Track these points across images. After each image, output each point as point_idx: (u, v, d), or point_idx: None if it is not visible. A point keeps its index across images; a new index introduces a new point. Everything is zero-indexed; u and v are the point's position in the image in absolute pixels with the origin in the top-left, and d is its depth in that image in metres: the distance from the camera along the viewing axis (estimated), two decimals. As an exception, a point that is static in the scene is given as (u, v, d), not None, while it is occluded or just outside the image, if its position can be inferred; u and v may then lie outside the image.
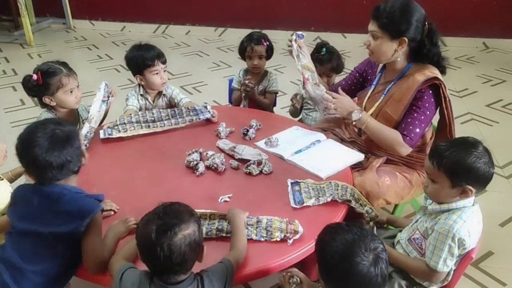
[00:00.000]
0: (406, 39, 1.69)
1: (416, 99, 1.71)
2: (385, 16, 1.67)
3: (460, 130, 1.84)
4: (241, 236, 1.27)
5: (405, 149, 1.73)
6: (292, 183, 1.55)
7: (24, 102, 3.42)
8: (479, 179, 1.26)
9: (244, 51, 2.42)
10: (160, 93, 2.16)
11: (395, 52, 1.73)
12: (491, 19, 4.79)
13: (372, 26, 1.72)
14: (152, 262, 1.05)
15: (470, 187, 1.26)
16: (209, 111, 2.01)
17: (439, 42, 1.75)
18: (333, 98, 1.76)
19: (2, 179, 1.59)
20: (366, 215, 1.50)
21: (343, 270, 1.02)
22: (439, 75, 1.73)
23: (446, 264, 1.28)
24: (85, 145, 1.74)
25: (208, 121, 2.04)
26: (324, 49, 2.40)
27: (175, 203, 1.11)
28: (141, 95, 2.14)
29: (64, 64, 1.91)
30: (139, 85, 2.13)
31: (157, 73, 2.07)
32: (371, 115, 1.79)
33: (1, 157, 1.57)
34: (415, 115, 1.71)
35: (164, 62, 2.10)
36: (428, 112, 1.71)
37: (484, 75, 4.19)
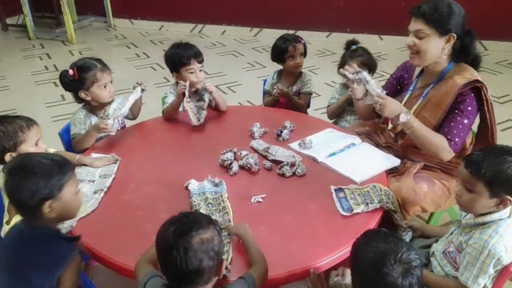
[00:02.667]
0: (455, 35, 1.64)
1: (458, 102, 1.66)
2: (433, 12, 1.62)
3: (500, 137, 1.77)
4: (256, 249, 1.24)
5: (449, 154, 1.67)
6: (335, 190, 1.52)
7: (64, 98, 3.55)
8: None
9: (284, 52, 2.40)
10: (196, 92, 2.19)
11: (442, 50, 1.67)
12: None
13: (416, 25, 1.66)
14: (169, 268, 1.02)
15: (510, 197, 1.20)
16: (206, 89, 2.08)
17: (476, 44, 1.71)
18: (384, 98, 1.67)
19: None
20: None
21: (372, 278, 1.00)
22: (479, 78, 1.67)
23: (477, 282, 1.22)
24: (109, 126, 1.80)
25: (246, 116, 2.05)
26: (354, 46, 2.37)
27: (197, 212, 1.12)
28: (180, 93, 2.16)
29: (99, 60, 1.97)
30: (177, 83, 2.16)
31: (192, 72, 2.10)
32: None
33: None
34: (459, 119, 1.65)
35: (200, 62, 2.12)
36: (471, 116, 1.66)
37: (527, 81, 4.01)
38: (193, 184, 1.55)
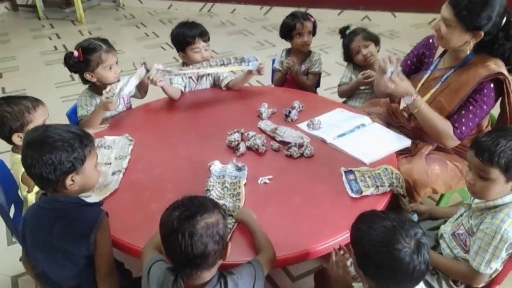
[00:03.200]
0: (482, 34, 1.54)
1: (475, 91, 1.59)
2: (464, 6, 1.50)
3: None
4: (263, 236, 1.23)
5: (453, 142, 1.62)
6: (345, 172, 1.49)
7: (74, 78, 3.54)
8: None
9: (292, 29, 2.36)
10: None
11: (466, 43, 1.59)
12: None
13: (446, 13, 1.56)
14: (174, 252, 1.00)
15: None
16: (256, 60, 2.02)
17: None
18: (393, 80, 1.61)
19: None
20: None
21: (385, 259, 0.98)
22: (504, 70, 1.58)
23: (489, 266, 1.20)
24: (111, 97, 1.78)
25: (254, 96, 2.01)
26: (348, 31, 2.36)
27: (201, 196, 1.09)
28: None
29: (104, 41, 1.94)
30: (184, 63, 2.13)
31: (198, 51, 2.07)
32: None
33: None
34: (471, 108, 1.60)
35: (206, 41, 2.09)
36: (485, 107, 1.59)
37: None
38: (216, 166, 1.54)
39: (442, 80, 1.70)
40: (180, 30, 2.08)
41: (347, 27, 2.37)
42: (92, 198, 1.40)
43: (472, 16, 1.51)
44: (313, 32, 2.41)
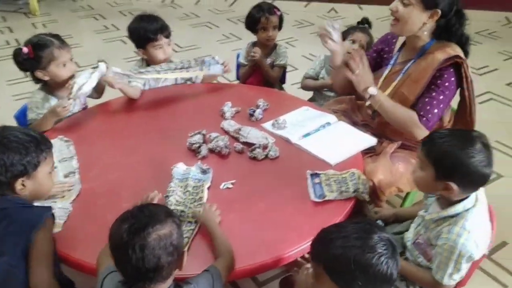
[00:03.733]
0: (439, 12, 1.54)
1: (435, 77, 1.59)
2: None
3: (478, 110, 1.72)
4: (223, 240, 1.17)
5: (421, 132, 1.60)
6: (311, 175, 1.43)
7: (27, 74, 3.34)
8: (467, 178, 1.14)
9: (256, 22, 2.30)
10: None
11: (423, 25, 1.58)
12: (516, -8, 4.52)
13: None
14: (125, 267, 0.95)
15: (454, 185, 1.13)
16: (217, 62, 1.95)
17: (465, 24, 1.61)
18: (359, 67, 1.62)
19: None
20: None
21: (359, 264, 0.93)
22: (461, 54, 1.59)
23: (452, 278, 1.19)
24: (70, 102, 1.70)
25: (217, 94, 1.95)
26: (367, 25, 2.31)
27: (152, 204, 1.03)
28: (145, 70, 2.03)
29: (57, 36, 1.82)
30: (142, 59, 2.02)
31: (160, 48, 1.97)
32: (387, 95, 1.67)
33: None
34: (433, 94, 1.59)
35: (167, 36, 1.99)
36: (447, 92, 1.59)
37: (506, 51, 3.97)
38: (180, 168, 1.46)
39: (403, 72, 1.69)
40: (139, 25, 1.97)
41: (369, 22, 2.31)
42: (58, 205, 1.32)
43: None
44: (279, 26, 2.35)
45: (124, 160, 1.57)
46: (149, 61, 2.02)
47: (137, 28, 1.97)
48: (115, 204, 1.32)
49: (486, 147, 1.15)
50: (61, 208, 1.31)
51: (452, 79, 1.59)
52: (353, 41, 2.22)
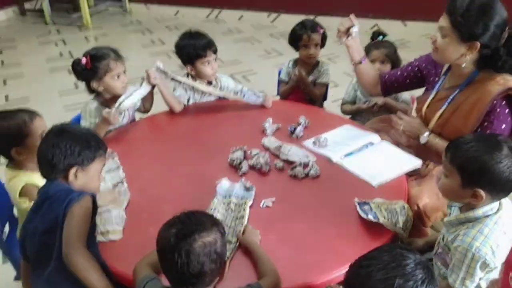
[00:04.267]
0: (479, 45, 1.48)
1: (488, 113, 1.52)
2: (460, 14, 1.46)
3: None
4: (266, 260, 1.17)
5: None
6: (359, 203, 1.37)
7: (77, 86, 3.51)
8: (495, 185, 1.09)
9: (298, 39, 2.31)
10: (209, 84, 2.10)
11: (461, 56, 1.52)
12: None
13: (442, 21, 1.52)
14: (170, 270, 0.99)
15: (482, 192, 1.10)
16: (258, 96, 1.99)
17: None
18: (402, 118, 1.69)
19: None
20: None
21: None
22: None
23: (464, 285, 1.14)
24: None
25: (259, 110, 1.99)
26: (381, 36, 2.26)
27: (200, 211, 1.07)
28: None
29: (113, 49, 1.91)
30: (188, 74, 2.07)
31: (208, 63, 2.02)
32: (434, 126, 1.64)
33: None
34: (488, 131, 1.53)
35: (215, 52, 2.04)
36: (503, 126, 1.52)
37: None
38: (224, 184, 1.48)
39: (448, 100, 1.62)
40: (188, 42, 2.02)
41: (382, 34, 2.29)
42: (113, 213, 1.36)
43: (468, 24, 1.46)
44: (322, 44, 2.34)
45: (167, 174, 1.60)
46: (196, 77, 2.07)
47: (186, 45, 2.03)
48: (157, 218, 1.31)
49: None
50: (117, 216, 1.35)
51: (506, 111, 1.52)
52: (372, 61, 2.17)
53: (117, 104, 1.79)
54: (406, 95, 2.16)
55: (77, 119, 1.93)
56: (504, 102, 1.52)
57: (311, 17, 4.92)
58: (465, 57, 1.53)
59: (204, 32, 2.10)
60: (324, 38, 2.33)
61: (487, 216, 1.14)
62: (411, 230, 1.39)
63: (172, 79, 1.98)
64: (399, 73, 1.90)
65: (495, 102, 1.51)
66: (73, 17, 5.40)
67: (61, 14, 5.52)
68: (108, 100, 1.90)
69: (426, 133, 1.64)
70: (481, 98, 1.52)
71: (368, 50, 2.23)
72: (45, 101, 3.39)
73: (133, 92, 1.86)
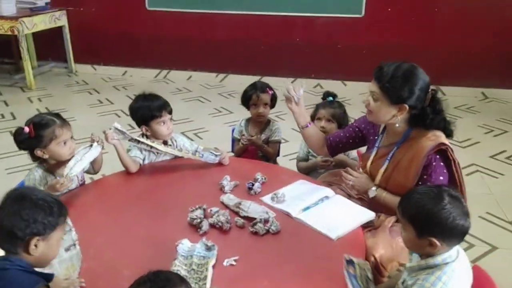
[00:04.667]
0: (407, 107, 1.65)
1: (425, 167, 1.65)
2: (387, 80, 1.63)
3: (465, 182, 1.75)
4: None
5: None
6: (347, 261, 1.36)
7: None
8: (444, 231, 1.18)
9: (249, 99, 2.42)
10: (165, 143, 2.10)
11: (393, 117, 1.68)
12: (490, 69, 4.85)
13: (372, 87, 1.68)
14: None
15: (436, 240, 1.18)
16: (215, 155, 2.02)
17: (443, 109, 1.70)
18: (351, 174, 1.80)
19: None
20: None
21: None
22: (444, 139, 1.66)
23: None
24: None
25: (215, 168, 2.01)
26: (330, 97, 2.40)
27: (166, 271, 1.06)
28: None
29: (57, 115, 1.85)
30: (143, 134, 2.07)
31: (164, 123, 2.03)
32: (379, 182, 1.75)
33: None
34: (429, 184, 1.63)
35: (170, 112, 2.07)
36: (441, 178, 1.64)
37: (485, 125, 4.18)
38: (185, 245, 1.44)
39: (389, 157, 1.75)
40: (143, 104, 2.05)
41: (332, 95, 2.41)
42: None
43: (395, 89, 1.62)
44: (272, 104, 2.45)
45: (124, 237, 1.55)
46: (152, 137, 2.07)
47: (141, 106, 2.04)
48: (116, 284, 1.29)
49: (455, 198, 1.20)
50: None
51: (441, 163, 1.65)
52: (319, 119, 2.32)
53: (66, 170, 1.73)
54: (354, 153, 2.29)
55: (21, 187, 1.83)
56: (438, 156, 1.65)
57: (258, 77, 5.17)
58: (396, 118, 1.68)
59: (157, 94, 2.14)
60: (273, 98, 2.45)
61: (446, 263, 1.20)
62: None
63: (130, 139, 1.96)
64: (342, 134, 2.02)
65: (430, 157, 1.64)
66: (16, 79, 5.25)
67: (2, 76, 5.36)
68: (54, 165, 1.84)
69: (374, 188, 1.75)
70: (417, 154, 1.66)
71: (316, 108, 2.37)
72: (-17, 165, 3.20)
73: (82, 156, 1.81)
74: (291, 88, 1.93)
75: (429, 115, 1.66)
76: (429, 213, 1.18)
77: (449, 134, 1.71)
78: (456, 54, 4.83)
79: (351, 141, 1.99)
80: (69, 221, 1.56)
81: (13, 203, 1.16)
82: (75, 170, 1.75)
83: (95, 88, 5.16)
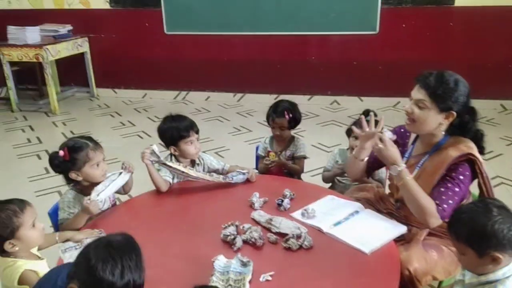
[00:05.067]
0: (455, 114, 1.65)
1: (450, 170, 1.65)
2: (438, 87, 1.63)
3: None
4: None
5: (435, 220, 1.61)
6: None
7: (48, 171, 3.44)
8: (502, 244, 1.17)
9: (268, 120, 2.46)
10: (193, 162, 2.16)
11: (439, 125, 1.69)
12: (507, 81, 4.83)
13: (419, 94, 1.67)
14: None
15: (497, 254, 1.17)
16: (243, 174, 2.04)
17: (478, 119, 1.72)
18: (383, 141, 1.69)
19: (43, 259, 1.54)
20: None
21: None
22: (474, 151, 1.66)
23: None
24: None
25: (244, 185, 2.04)
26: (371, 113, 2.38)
27: (210, 285, 1.08)
28: (174, 165, 2.12)
29: (90, 138, 1.92)
30: (171, 155, 2.12)
31: (191, 143, 2.08)
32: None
33: (40, 237, 1.52)
34: (449, 185, 1.64)
35: (197, 132, 2.13)
36: (462, 185, 1.63)
37: (507, 137, 4.14)
38: (220, 261, 1.46)
39: (419, 165, 1.76)
40: (171, 125, 2.10)
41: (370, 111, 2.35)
42: None
43: (446, 96, 1.63)
44: (292, 126, 2.45)
45: (159, 255, 1.57)
46: (180, 157, 2.12)
47: (169, 127, 2.10)
48: None
49: (502, 208, 1.21)
50: None
51: (467, 172, 1.64)
52: (355, 138, 2.31)
53: (94, 194, 1.78)
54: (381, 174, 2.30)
55: (55, 210, 1.89)
56: (466, 164, 1.65)
57: (274, 95, 5.24)
58: (442, 126, 1.68)
59: (184, 115, 2.21)
60: (292, 121, 2.43)
61: (507, 277, 1.20)
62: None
63: (163, 163, 2.00)
64: (373, 153, 2.02)
65: (457, 163, 1.64)
66: (40, 104, 5.42)
67: (27, 102, 5.54)
68: (86, 187, 1.89)
69: (403, 166, 1.65)
70: (442, 161, 1.66)
71: (354, 126, 2.36)
72: (14, 188, 3.29)
73: (111, 182, 1.87)
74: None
75: (469, 122, 1.68)
76: (484, 229, 1.18)
77: (481, 152, 1.71)
78: (473, 67, 4.81)
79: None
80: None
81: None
82: (102, 196, 1.81)
83: (116, 111, 5.29)
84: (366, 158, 1.91)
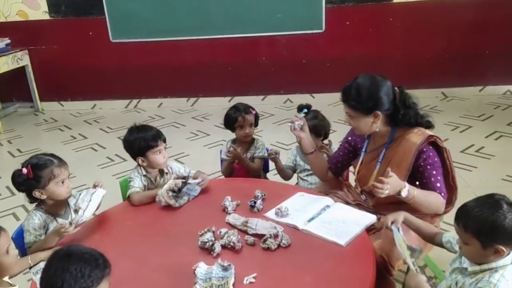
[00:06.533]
0: (379, 112, 1.79)
1: (424, 159, 1.76)
2: (353, 99, 1.80)
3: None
4: None
5: (444, 207, 1.79)
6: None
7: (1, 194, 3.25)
8: (509, 238, 1.27)
9: (234, 121, 2.47)
10: (161, 172, 2.13)
11: (372, 124, 1.83)
12: (446, 70, 5.15)
13: (345, 108, 1.86)
14: None
15: (502, 247, 1.26)
16: (196, 184, 1.99)
17: (412, 103, 1.83)
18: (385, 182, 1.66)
19: (15, 286, 1.46)
20: None
21: None
22: (429, 132, 1.80)
23: None
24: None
25: (214, 190, 2.04)
26: (305, 110, 2.42)
27: None
28: (144, 175, 2.09)
29: (53, 155, 1.86)
30: (139, 165, 2.08)
31: (160, 152, 2.05)
32: (374, 181, 1.80)
33: (14, 264, 1.45)
34: (434, 172, 1.76)
35: (165, 141, 2.10)
36: (437, 166, 1.77)
37: (450, 122, 4.42)
38: (202, 268, 1.46)
39: (380, 159, 1.87)
40: (138, 136, 2.06)
41: (307, 107, 2.32)
42: None
43: (362, 103, 1.79)
44: (255, 123, 2.51)
45: (140, 268, 1.55)
46: (148, 167, 2.09)
47: (136, 138, 2.05)
48: None
49: (511, 205, 1.29)
50: None
51: (435, 152, 1.78)
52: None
53: (78, 216, 1.73)
54: None
55: (20, 233, 1.81)
56: (430, 147, 1.78)
57: (228, 98, 5.26)
58: (375, 124, 1.83)
59: (149, 125, 2.17)
60: (257, 118, 2.52)
61: (506, 265, 1.29)
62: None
63: (183, 183, 1.97)
64: (337, 154, 2.14)
65: (424, 149, 1.76)
66: (-20, 123, 5.08)
67: (-34, 121, 5.17)
68: (52, 206, 1.83)
69: (405, 185, 1.66)
70: (408, 149, 1.78)
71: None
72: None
73: (89, 201, 1.80)
74: (293, 119, 2.06)
75: (400, 110, 1.80)
76: (494, 224, 1.25)
77: (429, 126, 1.85)
78: (414, 59, 5.11)
79: (346, 157, 2.10)
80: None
81: (60, 261, 1.17)
82: (86, 215, 1.75)
83: (65, 125, 5.07)
84: (313, 150, 2.08)
